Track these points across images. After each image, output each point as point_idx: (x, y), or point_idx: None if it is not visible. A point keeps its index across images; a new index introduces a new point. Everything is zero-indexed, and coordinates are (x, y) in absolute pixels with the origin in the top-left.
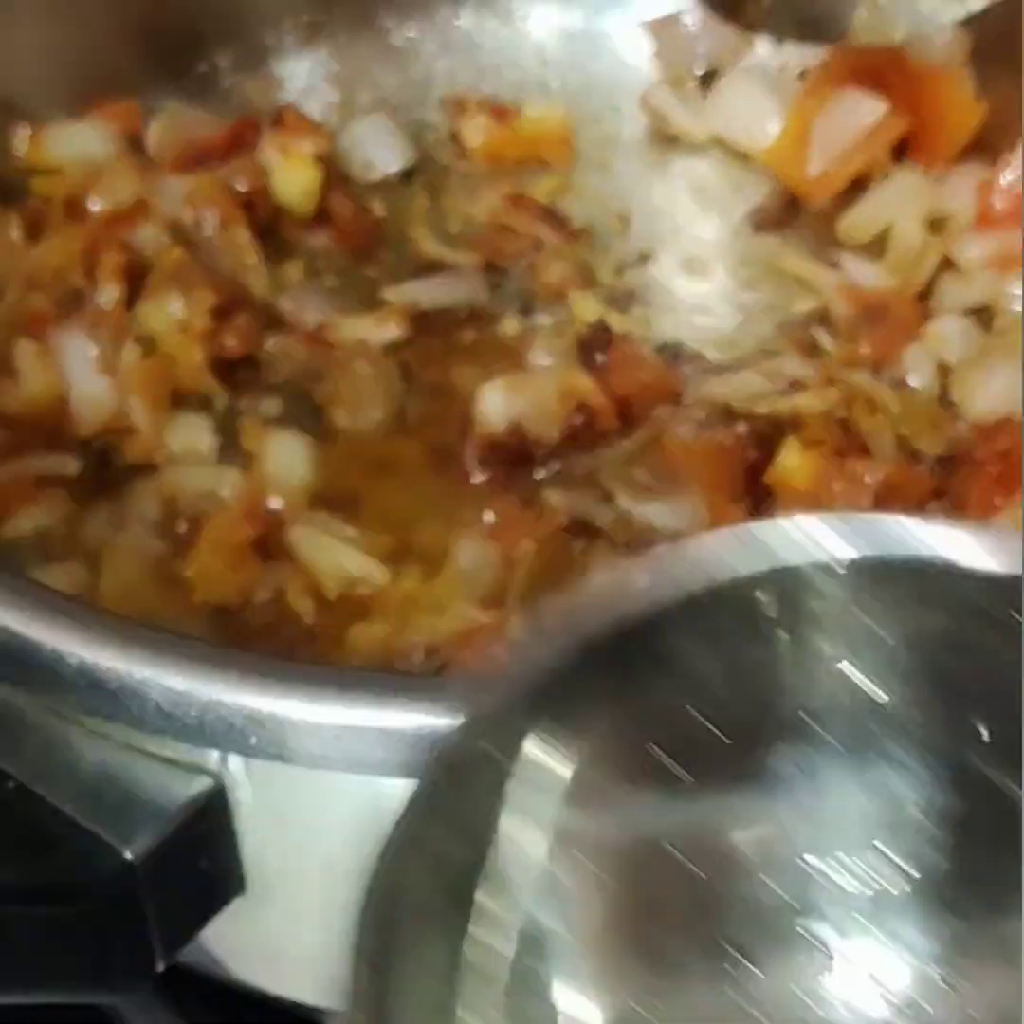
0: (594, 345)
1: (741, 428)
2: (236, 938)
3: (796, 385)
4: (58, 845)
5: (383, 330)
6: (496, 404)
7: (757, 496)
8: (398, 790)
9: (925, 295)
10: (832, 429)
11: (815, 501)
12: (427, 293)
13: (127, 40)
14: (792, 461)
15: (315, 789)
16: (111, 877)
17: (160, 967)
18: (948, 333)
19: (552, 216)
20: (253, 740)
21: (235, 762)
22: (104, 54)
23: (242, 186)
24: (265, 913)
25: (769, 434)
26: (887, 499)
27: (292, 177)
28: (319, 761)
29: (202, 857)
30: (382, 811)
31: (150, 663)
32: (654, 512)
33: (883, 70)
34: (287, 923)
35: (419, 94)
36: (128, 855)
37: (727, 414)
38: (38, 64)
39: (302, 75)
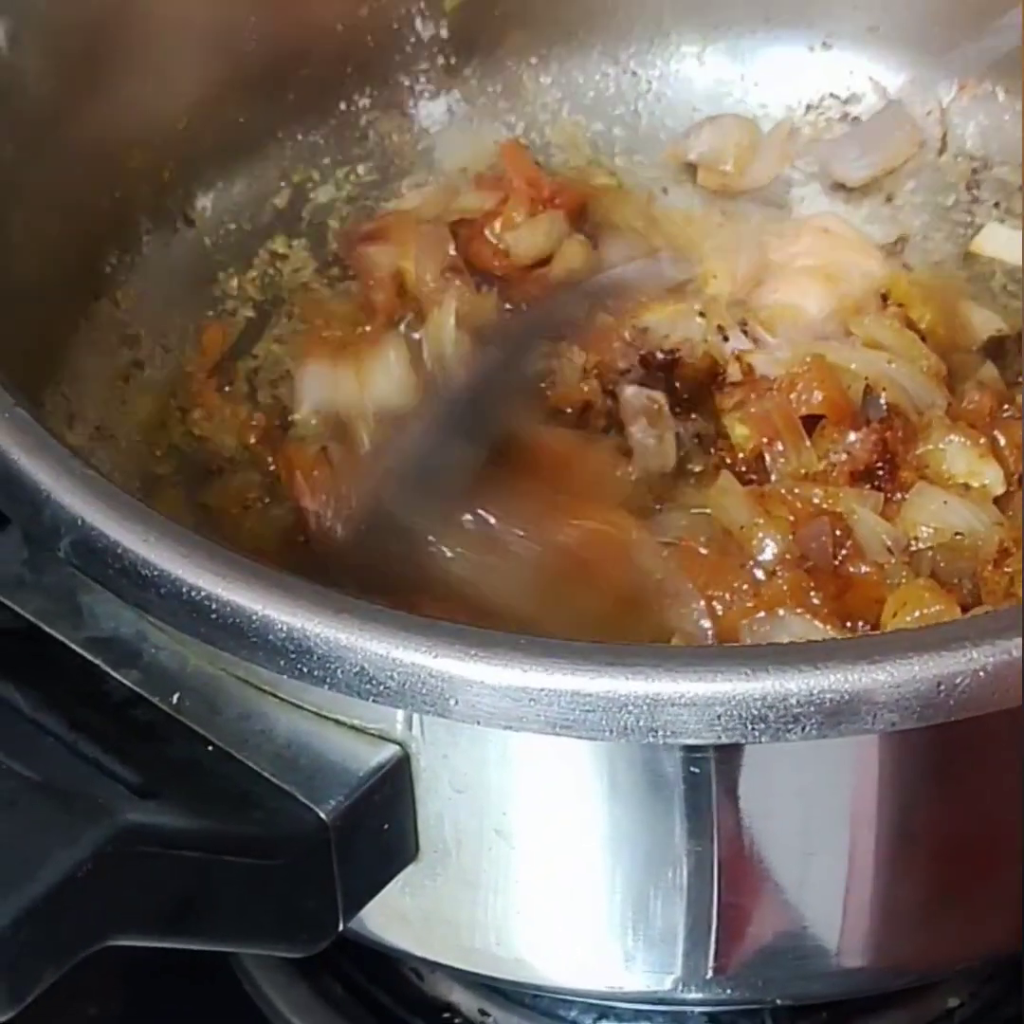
0: None
1: None
2: (402, 904)
3: None
4: (257, 803)
5: None
6: None
7: None
8: (575, 753)
9: None
10: None
11: None
12: None
13: (269, 85)
14: None
15: (497, 754)
16: (307, 834)
17: (342, 926)
18: None
19: None
20: (453, 702)
21: (420, 730)
22: (249, 101)
23: None
24: (434, 880)
25: None
26: None
27: None
28: (513, 723)
29: (386, 822)
30: (559, 775)
31: (356, 630)
32: None
33: None
34: (455, 890)
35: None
36: (322, 814)
37: None
38: (191, 119)
39: (438, 115)
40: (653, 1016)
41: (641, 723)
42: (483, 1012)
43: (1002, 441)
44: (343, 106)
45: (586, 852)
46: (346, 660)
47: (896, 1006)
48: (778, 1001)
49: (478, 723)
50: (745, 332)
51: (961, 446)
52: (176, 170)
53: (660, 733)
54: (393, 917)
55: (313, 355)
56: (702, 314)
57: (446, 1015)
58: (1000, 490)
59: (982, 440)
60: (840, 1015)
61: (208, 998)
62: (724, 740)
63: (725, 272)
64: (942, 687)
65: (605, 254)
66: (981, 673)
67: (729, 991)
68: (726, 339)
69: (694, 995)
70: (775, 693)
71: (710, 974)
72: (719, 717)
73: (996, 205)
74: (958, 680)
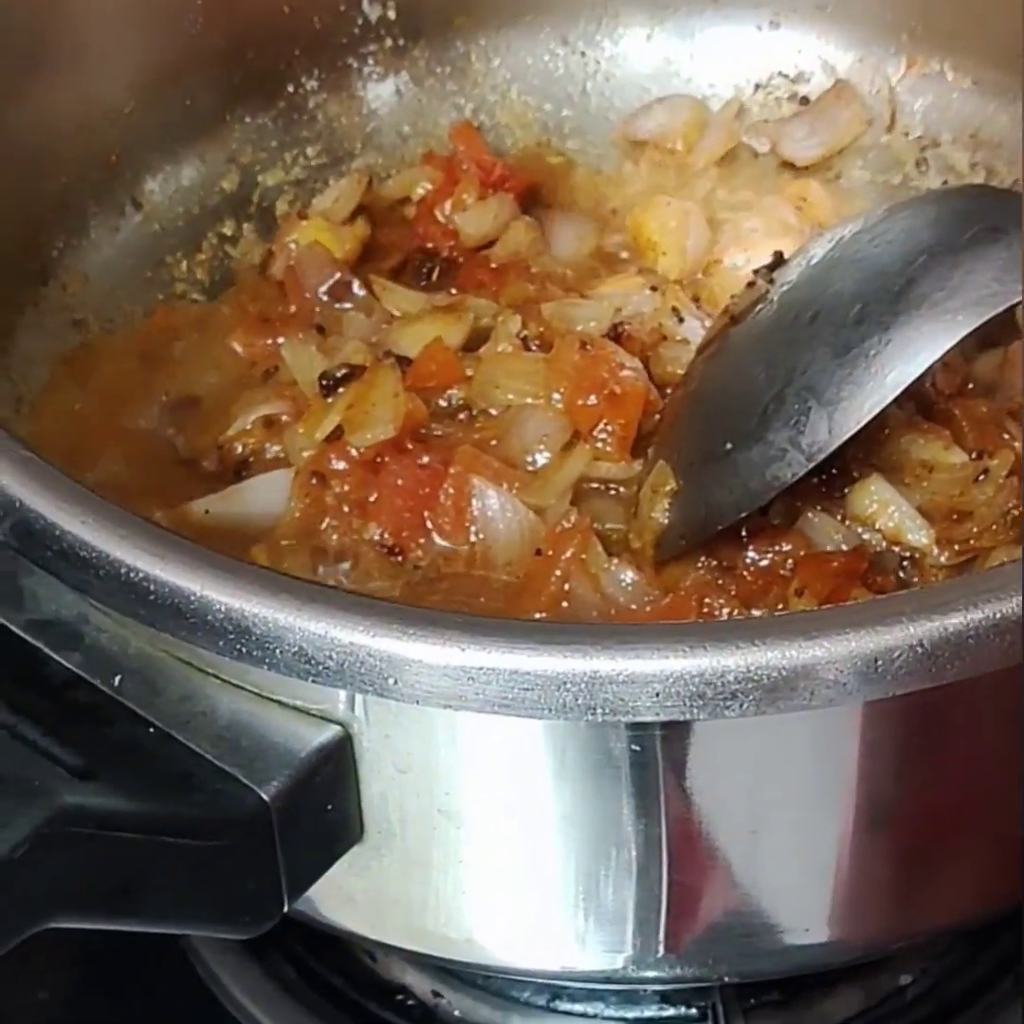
0: None
1: None
2: (349, 885)
3: None
4: (198, 785)
5: None
6: None
7: None
8: (517, 732)
9: None
10: None
11: None
12: None
13: (216, 68)
14: None
15: (440, 733)
16: (248, 815)
17: (286, 907)
18: None
19: None
20: (392, 682)
21: (361, 710)
22: (196, 84)
23: None
24: (380, 861)
25: None
26: None
27: None
28: (452, 702)
29: (329, 802)
30: (502, 754)
31: (295, 610)
32: None
33: None
34: (402, 871)
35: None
36: (264, 795)
37: None
38: (137, 104)
39: (386, 97)
40: (606, 996)
41: (580, 701)
42: (436, 994)
43: (964, 422)
44: (291, 88)
45: (532, 832)
46: (285, 640)
47: (848, 984)
48: (727, 978)
49: (418, 702)
50: (698, 305)
51: (924, 446)
52: (123, 154)
53: (599, 711)
54: (341, 899)
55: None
56: (653, 288)
57: (399, 997)
58: (969, 471)
59: (946, 433)
60: (792, 994)
61: (159, 982)
62: (663, 717)
63: (675, 249)
64: (879, 663)
65: (553, 236)
66: (918, 648)
67: (680, 969)
68: (681, 321)
69: (646, 973)
70: (713, 670)
71: (661, 952)
72: (658, 694)
73: (944, 183)
74: (895, 655)
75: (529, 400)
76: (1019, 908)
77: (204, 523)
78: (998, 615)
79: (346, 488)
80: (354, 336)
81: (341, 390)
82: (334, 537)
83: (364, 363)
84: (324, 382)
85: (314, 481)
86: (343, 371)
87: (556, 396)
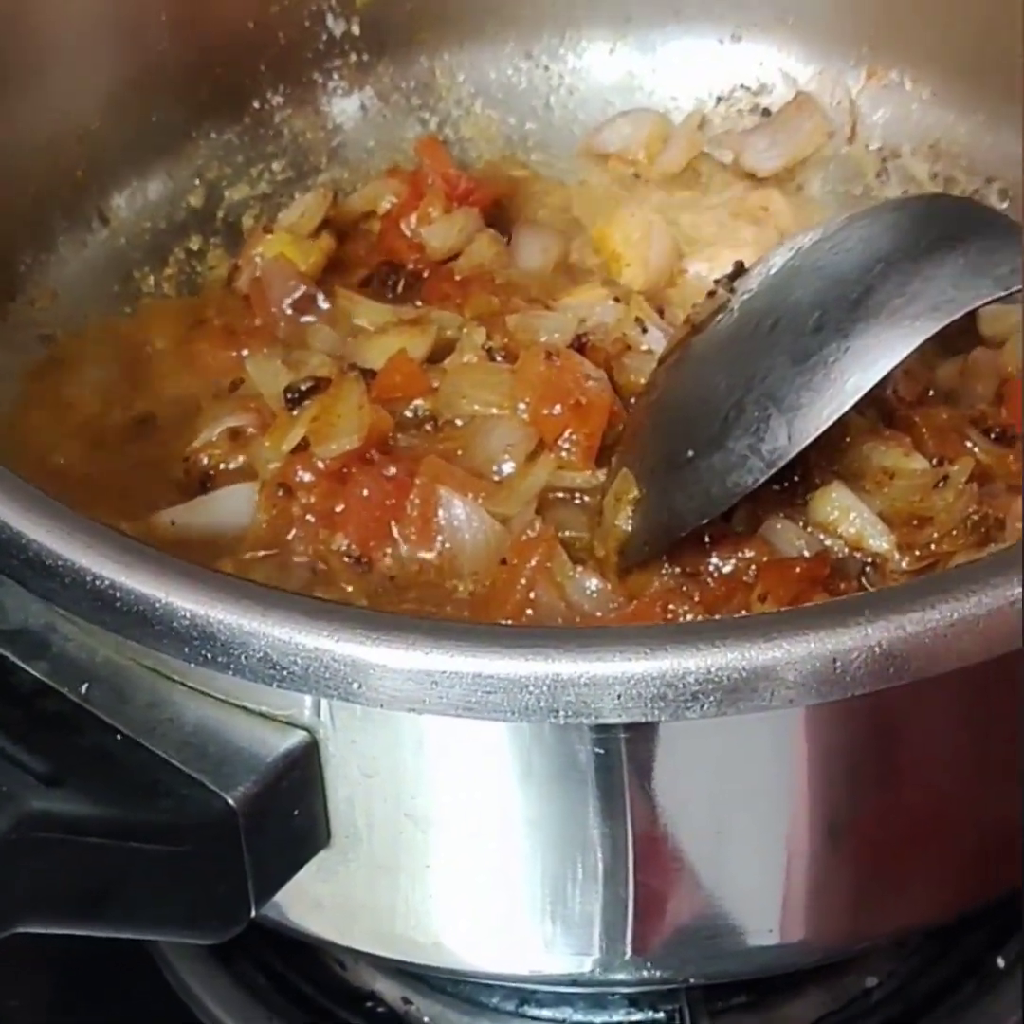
0: None
1: None
2: (316, 890)
3: None
4: (165, 791)
5: None
6: None
7: None
8: (482, 735)
9: None
10: None
11: None
12: None
13: (182, 83)
14: None
15: (405, 738)
16: (215, 820)
17: (253, 912)
18: None
19: None
20: (356, 686)
21: (327, 715)
22: (162, 100)
23: None
24: (347, 866)
25: None
26: None
27: None
28: (416, 705)
29: (295, 808)
30: (467, 758)
31: (259, 616)
32: None
33: None
34: (369, 876)
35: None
36: (230, 801)
37: None
38: (104, 119)
39: (351, 112)
40: (574, 1001)
41: (543, 704)
42: (406, 1000)
43: (925, 429)
44: (256, 104)
45: (498, 835)
46: (250, 646)
47: (814, 986)
48: (694, 980)
49: (382, 706)
50: (662, 316)
51: (885, 453)
52: (90, 169)
53: (561, 713)
54: (309, 904)
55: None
56: (617, 299)
57: (369, 1004)
58: (929, 478)
59: (907, 439)
60: (759, 997)
61: (130, 989)
62: (625, 719)
63: (638, 260)
64: (838, 663)
65: (518, 248)
66: (876, 649)
67: (647, 971)
68: (644, 331)
69: (614, 976)
70: (673, 671)
71: (628, 954)
72: (620, 696)
73: (904, 193)
74: (853, 656)
75: (494, 410)
76: (1014, 894)
77: (170, 534)
78: (955, 616)
79: (312, 499)
80: (319, 349)
81: (306, 403)
82: (301, 547)
83: (329, 375)
84: (289, 395)
85: (280, 493)
86: (308, 384)
87: (521, 406)
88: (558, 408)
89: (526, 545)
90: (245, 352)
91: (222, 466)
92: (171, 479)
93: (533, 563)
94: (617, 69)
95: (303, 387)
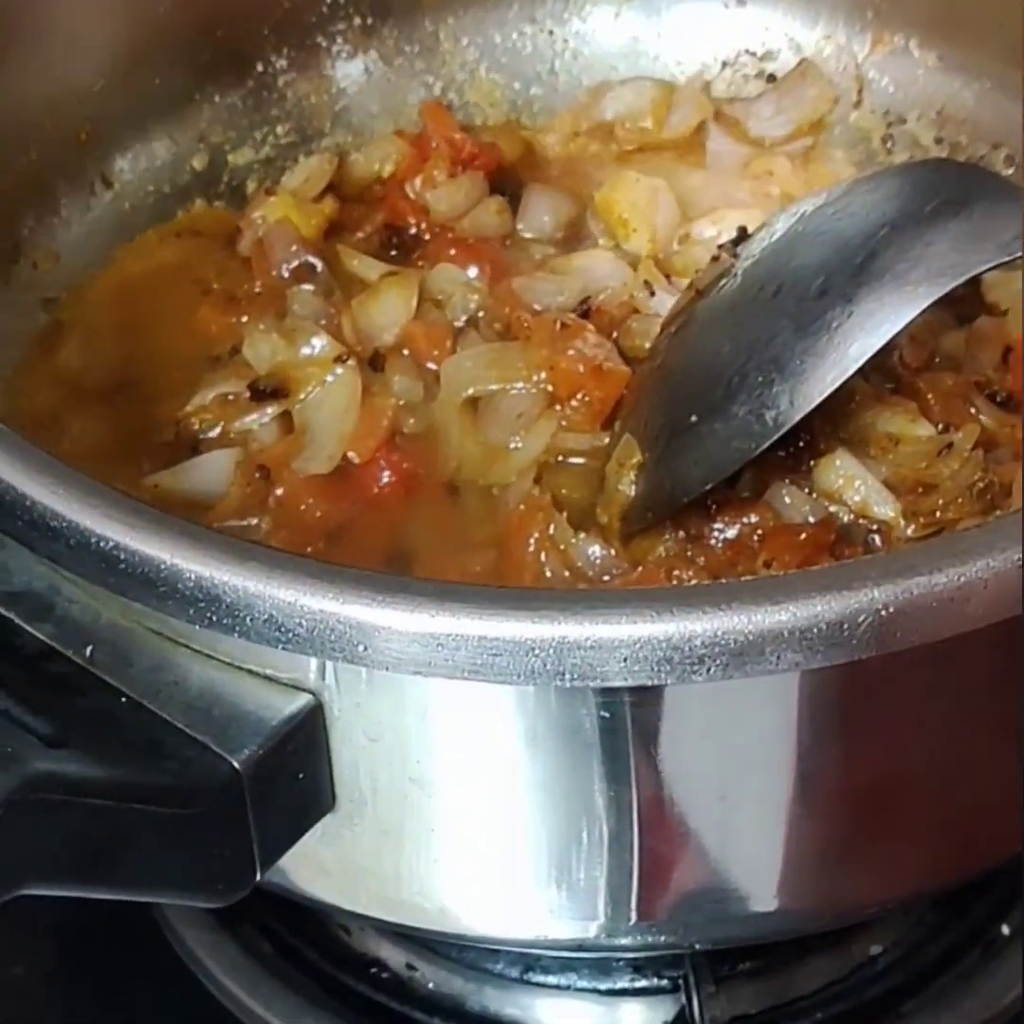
0: None
1: None
2: (321, 855)
3: None
4: (169, 753)
5: None
6: None
7: None
8: (488, 699)
9: None
10: None
11: None
12: None
13: (186, 47)
14: None
15: (410, 701)
16: (220, 783)
17: (258, 876)
18: None
19: None
20: (361, 648)
21: (332, 678)
22: (165, 63)
23: None
24: (352, 830)
25: None
26: None
27: None
28: (421, 668)
29: (300, 771)
30: (472, 721)
31: (264, 577)
32: None
33: None
34: (374, 840)
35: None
36: (235, 763)
37: None
38: (107, 83)
39: (355, 76)
40: (578, 968)
41: (548, 667)
42: (410, 966)
43: (930, 395)
44: (260, 67)
45: (503, 799)
46: (255, 608)
47: (819, 954)
48: (698, 946)
49: (387, 669)
50: (669, 281)
51: (890, 419)
52: (93, 133)
53: (567, 676)
54: (314, 869)
55: None
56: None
57: (373, 970)
58: (934, 445)
59: (912, 406)
60: (764, 964)
61: (136, 956)
62: (631, 682)
63: (645, 226)
64: (845, 626)
65: (523, 212)
66: (883, 612)
67: (652, 936)
68: (653, 295)
69: (618, 941)
70: (680, 634)
71: (633, 919)
72: (625, 659)
73: (910, 159)
74: (860, 619)
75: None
76: (1017, 862)
77: (154, 498)
78: (962, 579)
79: (282, 493)
80: (301, 314)
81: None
82: (267, 529)
83: (339, 353)
84: (253, 389)
85: (258, 475)
86: (270, 388)
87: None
88: (581, 367)
89: (525, 516)
90: (244, 319)
91: (213, 432)
92: (163, 442)
93: (535, 535)
94: (622, 34)
95: (264, 388)
